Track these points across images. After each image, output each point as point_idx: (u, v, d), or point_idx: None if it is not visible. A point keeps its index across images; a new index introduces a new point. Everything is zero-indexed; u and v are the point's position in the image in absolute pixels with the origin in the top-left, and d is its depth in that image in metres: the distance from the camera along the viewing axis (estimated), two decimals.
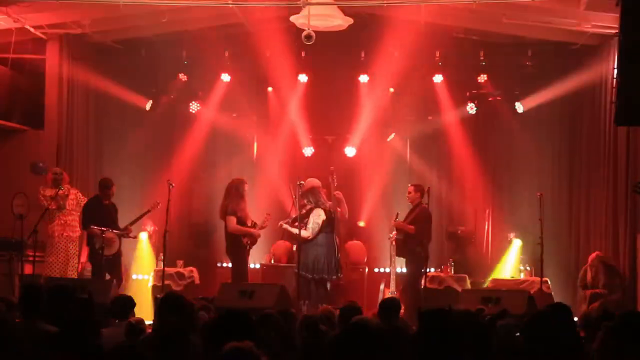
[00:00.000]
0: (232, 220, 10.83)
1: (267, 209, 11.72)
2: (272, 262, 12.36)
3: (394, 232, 11.21)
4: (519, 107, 12.69)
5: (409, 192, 11.21)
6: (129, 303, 6.89)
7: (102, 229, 10.84)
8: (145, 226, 12.55)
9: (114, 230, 11.03)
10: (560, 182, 12.81)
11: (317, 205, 10.51)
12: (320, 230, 10.45)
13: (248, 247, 10.96)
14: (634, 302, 10.70)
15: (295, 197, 10.71)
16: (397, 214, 11.13)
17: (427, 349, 4.00)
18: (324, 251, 10.43)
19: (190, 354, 4.50)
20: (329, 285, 10.64)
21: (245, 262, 11.02)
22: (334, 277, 10.62)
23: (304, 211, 10.59)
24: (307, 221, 10.52)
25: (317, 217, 10.46)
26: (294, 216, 10.76)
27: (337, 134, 13.46)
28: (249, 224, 11.00)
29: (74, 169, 12.49)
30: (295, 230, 10.59)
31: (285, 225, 10.74)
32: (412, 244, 10.87)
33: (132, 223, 11.21)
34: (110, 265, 10.95)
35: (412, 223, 10.91)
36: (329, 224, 10.55)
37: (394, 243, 11.52)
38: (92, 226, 10.95)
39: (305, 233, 10.50)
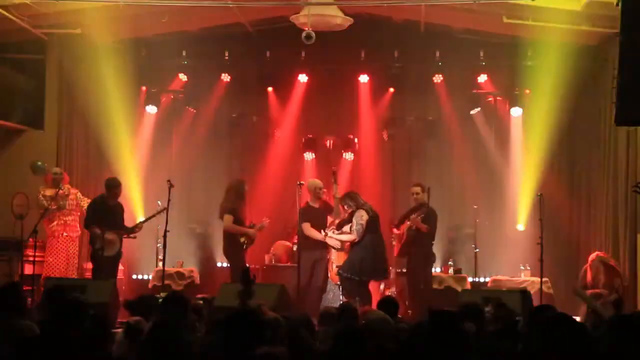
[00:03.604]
0: (229, 219, 10.85)
1: (268, 210, 11.72)
2: (272, 262, 12.35)
3: (397, 232, 11.19)
4: (517, 112, 12.69)
5: (417, 193, 11.18)
6: (154, 303, 6.69)
7: (103, 229, 10.79)
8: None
9: (117, 231, 10.97)
10: (560, 182, 12.80)
11: (358, 207, 10.50)
12: (366, 232, 10.43)
13: (245, 247, 10.96)
14: (634, 302, 10.70)
15: (297, 197, 10.72)
16: (418, 212, 11.05)
17: (438, 349, 4.01)
18: (371, 253, 10.42)
19: (185, 353, 4.52)
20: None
21: (243, 262, 11.02)
22: (381, 278, 10.68)
23: (346, 215, 10.60)
24: (351, 224, 10.51)
25: (360, 219, 10.42)
26: (337, 222, 10.79)
27: (337, 134, 13.45)
28: (247, 225, 11.00)
29: (74, 169, 12.49)
30: (343, 237, 10.65)
31: (330, 234, 10.74)
32: (424, 244, 10.93)
33: (142, 222, 11.16)
34: (108, 266, 10.92)
35: (423, 222, 10.96)
36: (373, 224, 10.53)
37: (394, 243, 11.54)
38: (93, 226, 10.94)
39: (349, 237, 10.50)
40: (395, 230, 11.34)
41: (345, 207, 10.58)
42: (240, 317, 4.36)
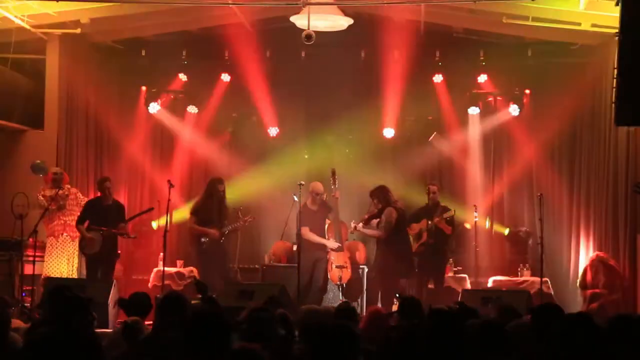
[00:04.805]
0: (190, 220, 10.88)
1: (268, 210, 11.69)
2: (272, 262, 12.34)
3: (411, 232, 11.15)
4: (515, 110, 12.68)
5: (434, 192, 11.16)
6: (148, 302, 6.70)
7: (92, 227, 10.80)
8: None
9: (101, 229, 10.91)
10: (561, 182, 12.80)
11: (388, 204, 10.50)
12: (394, 230, 10.43)
13: (204, 247, 10.89)
14: (634, 302, 10.70)
15: (298, 198, 10.70)
16: (446, 213, 11.02)
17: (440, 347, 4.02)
18: (401, 252, 10.42)
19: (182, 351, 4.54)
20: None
21: (207, 262, 10.94)
22: (407, 277, 10.68)
23: (375, 210, 10.60)
24: (380, 220, 10.50)
25: (390, 216, 10.43)
26: (366, 217, 10.77)
27: (337, 134, 13.44)
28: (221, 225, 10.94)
29: (74, 169, 12.49)
30: (367, 231, 10.67)
31: (360, 228, 10.75)
32: (443, 244, 10.99)
33: (127, 221, 11.15)
34: (95, 264, 10.91)
35: (448, 224, 11.01)
36: (401, 223, 10.53)
37: None
38: (79, 225, 10.98)
39: (376, 232, 10.48)
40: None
41: (375, 201, 10.58)
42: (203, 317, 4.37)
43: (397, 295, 9.59)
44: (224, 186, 11.10)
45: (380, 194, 10.59)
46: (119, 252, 11.36)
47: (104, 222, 10.92)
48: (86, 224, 10.99)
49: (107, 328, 8.85)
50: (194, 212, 10.93)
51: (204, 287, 6.35)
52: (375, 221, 10.70)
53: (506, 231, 12.74)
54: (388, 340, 4.41)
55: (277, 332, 5.06)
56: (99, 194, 11.32)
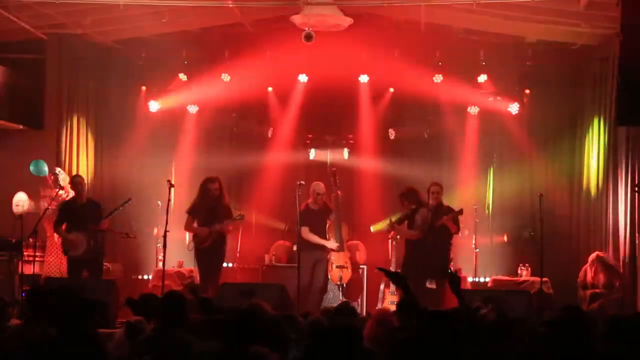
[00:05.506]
0: (186, 220, 10.83)
1: (268, 210, 11.68)
2: (272, 262, 12.35)
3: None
4: (514, 110, 12.68)
5: (437, 192, 11.12)
6: (156, 304, 6.68)
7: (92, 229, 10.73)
8: None
9: (83, 231, 10.69)
10: (561, 182, 12.80)
11: (420, 205, 10.53)
12: (428, 230, 10.46)
13: (195, 247, 10.85)
14: (634, 302, 10.70)
15: (297, 198, 10.70)
16: (453, 212, 11.03)
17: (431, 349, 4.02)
18: (432, 251, 10.45)
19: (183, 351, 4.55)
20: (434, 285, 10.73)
21: (202, 262, 10.88)
22: (439, 279, 10.65)
23: (408, 211, 10.61)
24: (416, 220, 10.51)
25: (426, 217, 10.47)
26: (397, 217, 10.75)
27: (337, 134, 13.46)
28: (210, 225, 10.92)
29: (74, 169, 12.49)
30: (404, 232, 10.69)
31: (397, 230, 10.73)
32: (447, 244, 10.96)
33: (107, 217, 10.90)
34: (79, 266, 10.75)
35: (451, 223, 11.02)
36: (432, 223, 10.58)
37: (393, 242, 11.53)
38: (58, 228, 10.81)
39: (414, 233, 10.52)
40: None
41: (406, 203, 10.58)
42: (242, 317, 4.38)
43: (378, 268, 9.55)
44: (219, 185, 10.95)
45: (412, 196, 10.61)
46: (103, 250, 11.19)
47: (82, 222, 10.67)
48: (64, 226, 10.83)
49: (107, 328, 8.84)
50: (188, 212, 10.90)
51: (195, 289, 6.38)
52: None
53: (505, 237, 12.76)
54: (393, 340, 4.42)
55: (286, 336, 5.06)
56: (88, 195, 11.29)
